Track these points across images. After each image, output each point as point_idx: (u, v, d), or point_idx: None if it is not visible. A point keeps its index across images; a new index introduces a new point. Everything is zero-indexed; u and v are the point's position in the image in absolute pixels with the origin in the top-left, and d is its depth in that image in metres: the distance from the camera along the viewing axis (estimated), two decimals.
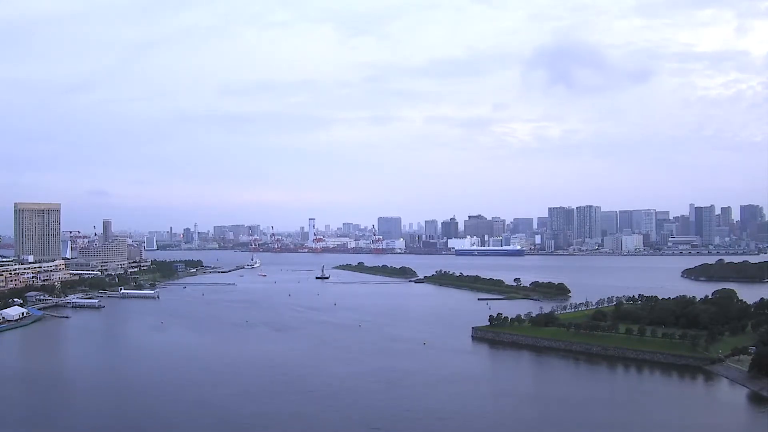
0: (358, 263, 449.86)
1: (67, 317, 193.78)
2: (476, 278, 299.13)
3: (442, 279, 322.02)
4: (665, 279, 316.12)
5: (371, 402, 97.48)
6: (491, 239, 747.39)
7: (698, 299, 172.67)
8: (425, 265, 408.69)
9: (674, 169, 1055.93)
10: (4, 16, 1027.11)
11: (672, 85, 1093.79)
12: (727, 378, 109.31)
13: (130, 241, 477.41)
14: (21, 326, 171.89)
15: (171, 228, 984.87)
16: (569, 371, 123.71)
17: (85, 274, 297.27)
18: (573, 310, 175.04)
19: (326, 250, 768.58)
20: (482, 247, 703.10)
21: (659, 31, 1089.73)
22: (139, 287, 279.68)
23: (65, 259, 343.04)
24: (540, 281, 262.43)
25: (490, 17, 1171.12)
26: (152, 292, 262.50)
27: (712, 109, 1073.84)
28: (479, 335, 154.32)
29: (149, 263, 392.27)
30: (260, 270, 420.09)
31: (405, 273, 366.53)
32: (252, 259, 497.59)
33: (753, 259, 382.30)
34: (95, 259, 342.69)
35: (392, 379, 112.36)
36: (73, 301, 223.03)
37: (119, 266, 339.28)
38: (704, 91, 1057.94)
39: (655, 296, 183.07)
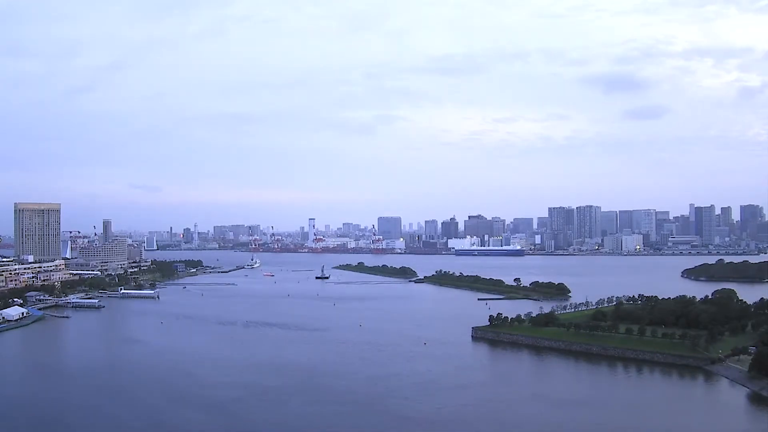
0: (358, 263, 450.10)
1: (67, 317, 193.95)
2: (476, 278, 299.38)
3: (442, 279, 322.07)
4: (665, 279, 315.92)
5: (371, 403, 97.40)
6: (491, 239, 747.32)
7: (698, 299, 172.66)
8: (425, 265, 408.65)
9: (674, 169, 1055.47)
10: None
11: (675, 85, 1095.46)
12: (727, 378, 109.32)
13: (130, 241, 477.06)
14: (21, 326, 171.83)
15: (171, 228, 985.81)
16: (569, 371, 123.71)
17: (85, 274, 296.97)
18: (573, 310, 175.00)
19: (326, 250, 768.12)
20: (482, 247, 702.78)
21: (661, 29, 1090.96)
22: (139, 287, 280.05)
23: (65, 259, 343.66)
24: (540, 281, 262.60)
25: (490, 14, 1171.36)
26: (152, 292, 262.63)
27: (717, 108, 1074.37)
28: (479, 335, 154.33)
29: (149, 263, 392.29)
30: (263, 270, 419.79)
31: (405, 273, 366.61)
32: (252, 259, 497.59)
33: (753, 259, 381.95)
34: (95, 259, 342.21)
35: (392, 380, 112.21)
36: (73, 301, 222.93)
37: (119, 266, 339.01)
38: (708, 90, 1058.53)
39: (655, 296, 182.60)
